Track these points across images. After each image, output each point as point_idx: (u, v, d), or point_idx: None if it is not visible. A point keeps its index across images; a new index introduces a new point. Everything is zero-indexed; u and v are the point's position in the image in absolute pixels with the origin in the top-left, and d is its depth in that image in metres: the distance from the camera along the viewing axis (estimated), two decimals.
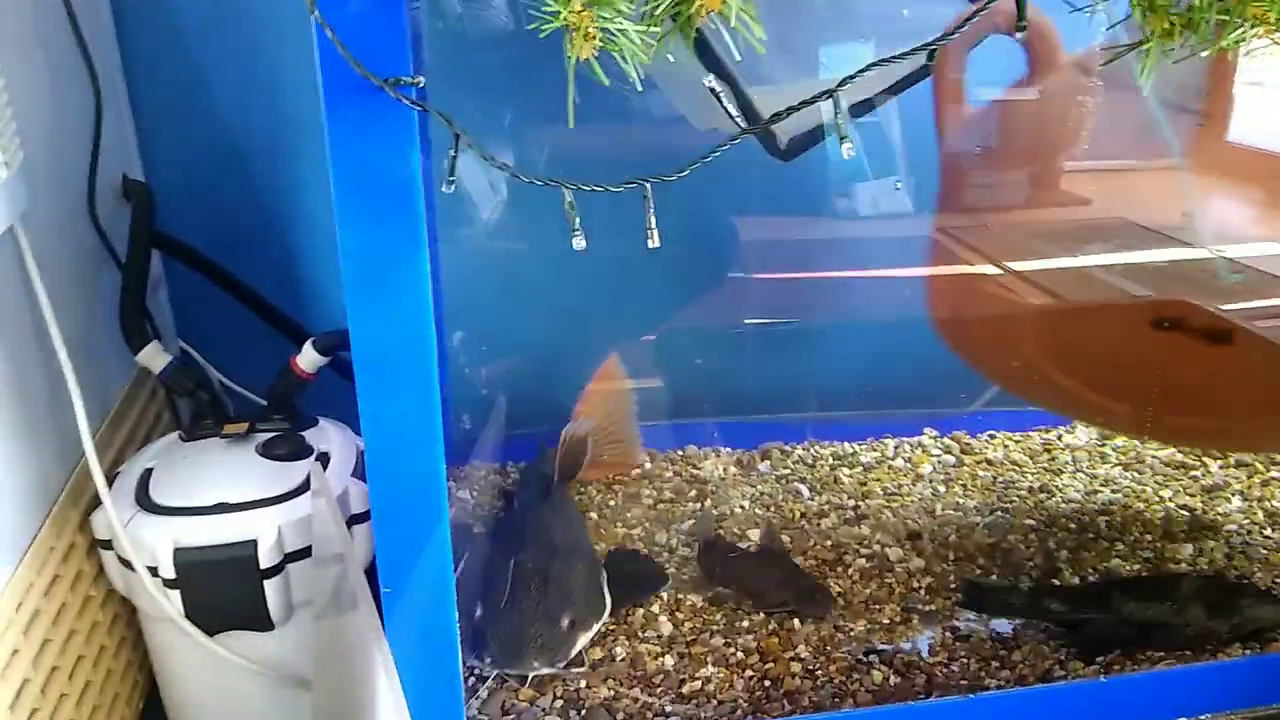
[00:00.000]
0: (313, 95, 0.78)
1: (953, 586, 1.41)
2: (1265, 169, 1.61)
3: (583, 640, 1.24)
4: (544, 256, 1.69)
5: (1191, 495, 1.63)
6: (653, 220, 0.79)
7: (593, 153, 1.52)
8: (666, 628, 1.33)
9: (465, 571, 1.32)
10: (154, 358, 1.32)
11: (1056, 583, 1.42)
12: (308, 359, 1.32)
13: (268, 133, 1.59)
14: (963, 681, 1.26)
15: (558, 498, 1.49)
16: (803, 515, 1.59)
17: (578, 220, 0.78)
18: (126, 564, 1.17)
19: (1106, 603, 1.32)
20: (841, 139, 0.76)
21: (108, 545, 1.19)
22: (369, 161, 0.78)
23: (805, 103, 0.77)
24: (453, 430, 1.61)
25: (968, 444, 1.80)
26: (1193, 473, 1.69)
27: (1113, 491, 1.65)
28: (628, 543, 1.52)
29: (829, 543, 1.52)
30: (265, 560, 1.16)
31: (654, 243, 0.80)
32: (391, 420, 0.88)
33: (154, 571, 1.15)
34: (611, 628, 1.32)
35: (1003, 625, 1.34)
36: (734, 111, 0.80)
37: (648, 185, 0.77)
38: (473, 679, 1.19)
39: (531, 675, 1.20)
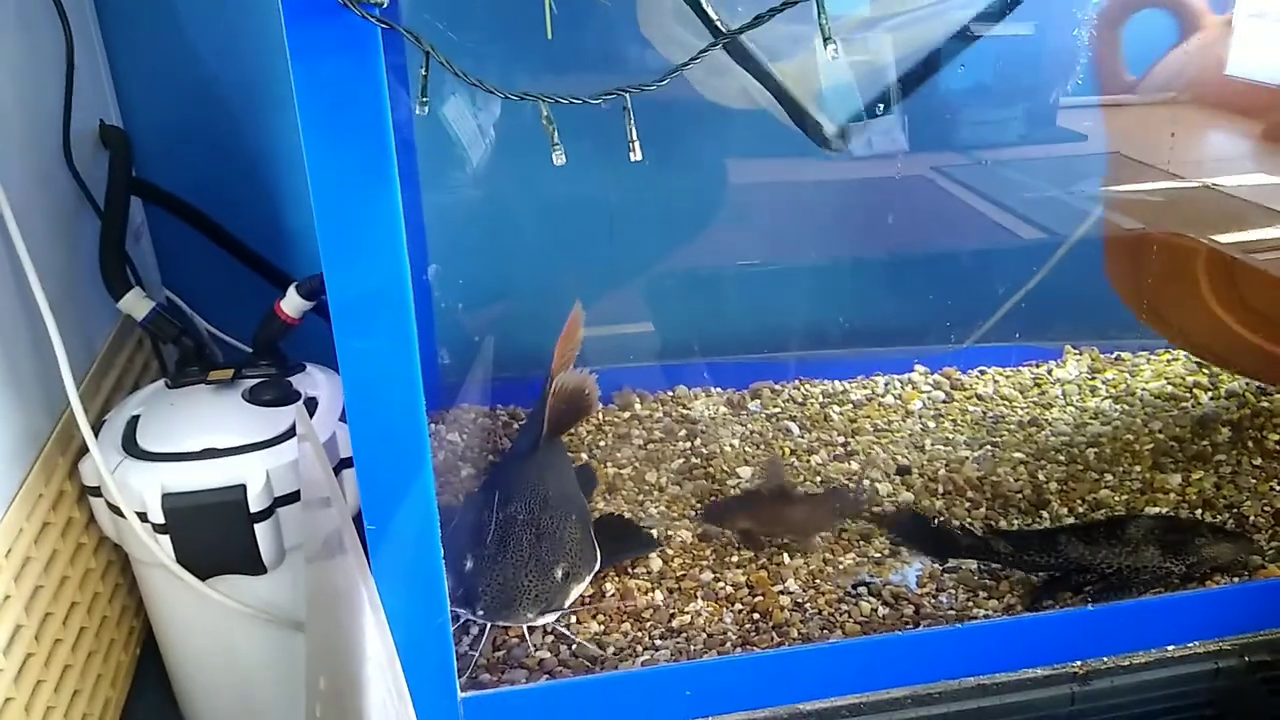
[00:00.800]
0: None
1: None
2: None
3: (576, 591, 1.24)
4: (532, 199, 1.68)
5: (1182, 426, 1.63)
6: (634, 133, 0.77)
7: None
8: (656, 564, 1.33)
9: (456, 523, 1.31)
10: (136, 304, 1.31)
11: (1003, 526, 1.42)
12: (292, 304, 1.31)
13: (247, 75, 1.57)
14: (951, 612, 1.27)
15: (548, 448, 1.47)
16: (793, 453, 1.59)
17: (556, 134, 0.76)
18: (116, 510, 1.17)
19: (1053, 547, 1.31)
20: (826, 41, 0.74)
21: (96, 492, 1.20)
22: (334, 87, 0.76)
23: (787, 3, 0.75)
24: (436, 370, 1.61)
25: (958, 380, 1.79)
26: (1183, 404, 1.69)
27: (1102, 424, 1.65)
28: (618, 483, 1.52)
29: (819, 479, 1.52)
30: (255, 504, 1.16)
31: (636, 156, 0.78)
32: (369, 358, 0.87)
33: (143, 517, 1.16)
34: None
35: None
36: (714, 16, 0.77)
37: (627, 96, 0.76)
38: (464, 618, 1.19)
39: (525, 625, 1.19)
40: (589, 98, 0.78)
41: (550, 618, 1.18)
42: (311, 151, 0.79)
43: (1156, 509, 1.44)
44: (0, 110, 1.10)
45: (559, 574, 1.21)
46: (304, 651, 1.21)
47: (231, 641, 1.27)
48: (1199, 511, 1.44)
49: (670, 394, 1.77)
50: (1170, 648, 1.26)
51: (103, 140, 1.45)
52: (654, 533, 1.39)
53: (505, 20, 1.48)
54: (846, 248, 1.88)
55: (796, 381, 1.80)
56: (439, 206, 1.59)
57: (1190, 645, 1.26)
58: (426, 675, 1.03)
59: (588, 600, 1.28)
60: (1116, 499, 1.46)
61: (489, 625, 1.18)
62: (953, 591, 1.30)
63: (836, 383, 1.80)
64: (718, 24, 0.76)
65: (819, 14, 0.74)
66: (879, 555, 1.36)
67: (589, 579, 1.26)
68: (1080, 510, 1.45)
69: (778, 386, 1.79)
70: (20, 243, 1.11)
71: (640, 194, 1.72)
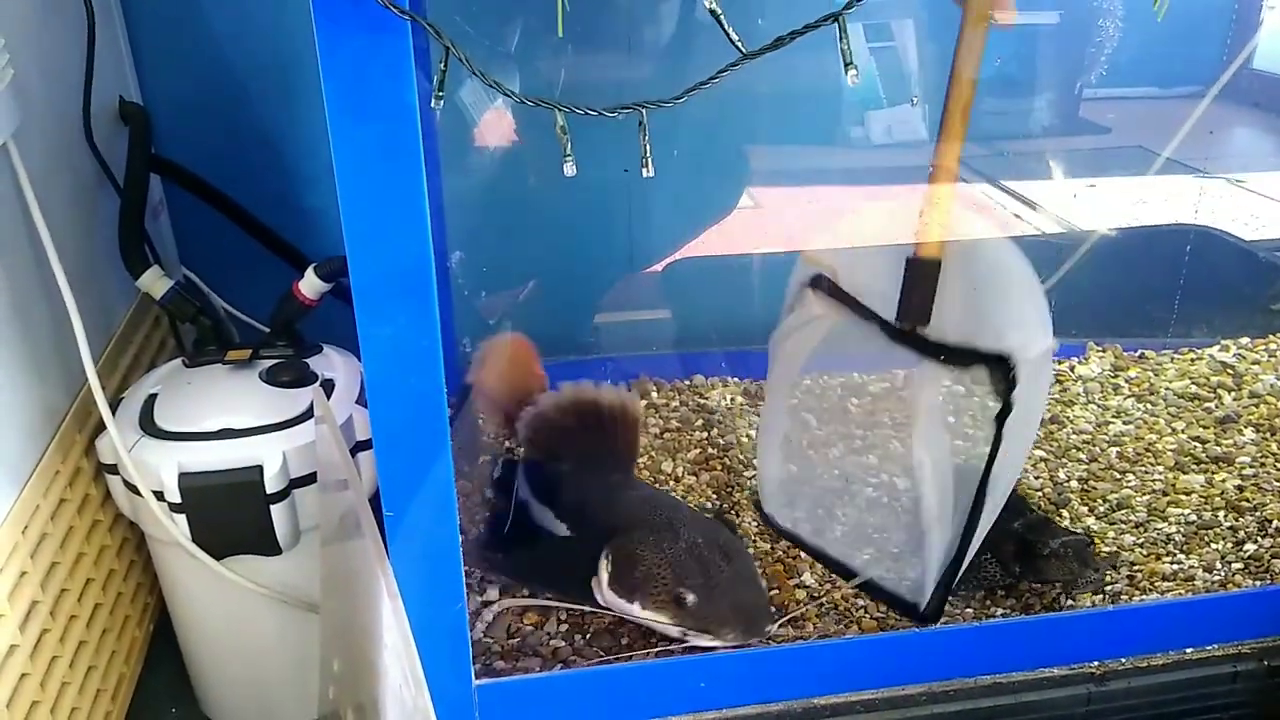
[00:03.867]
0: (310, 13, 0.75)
1: None
2: None
3: None
4: (550, 184, 1.67)
5: (1205, 427, 1.61)
6: (647, 149, 0.76)
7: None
8: None
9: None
10: (155, 283, 1.31)
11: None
12: (310, 285, 1.30)
13: (268, 53, 1.56)
14: (968, 610, 1.26)
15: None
16: (809, 445, 1.58)
17: (569, 144, 0.75)
18: (132, 488, 1.17)
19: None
20: (846, 66, 0.73)
21: (113, 470, 1.20)
22: (362, 80, 0.75)
23: (809, 26, 0.74)
24: (455, 352, 1.60)
25: None
26: (1206, 404, 1.67)
27: (1124, 423, 1.63)
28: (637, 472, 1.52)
29: (836, 472, 1.51)
30: (271, 485, 1.16)
31: (648, 172, 0.77)
32: (390, 343, 0.87)
33: (159, 496, 1.16)
34: None
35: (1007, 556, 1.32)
36: (735, 37, 0.76)
37: (644, 111, 0.74)
38: (478, 603, 1.18)
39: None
40: (605, 110, 0.76)
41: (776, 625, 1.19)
42: (337, 134, 0.78)
43: (1179, 510, 1.42)
44: (21, 85, 1.09)
45: (762, 581, 1.22)
46: (318, 633, 1.21)
47: (245, 621, 1.27)
48: (1223, 514, 1.42)
49: (687, 383, 1.76)
50: (1189, 650, 1.24)
51: (122, 117, 1.45)
52: None
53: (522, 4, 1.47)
54: (868, 240, 1.87)
55: (815, 373, 1.78)
56: (456, 191, 1.58)
57: (1208, 648, 1.25)
58: (441, 662, 1.03)
59: None
60: (1138, 499, 1.45)
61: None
62: (970, 589, 1.29)
63: (855, 375, 1.78)
64: (739, 44, 0.74)
65: (840, 39, 0.73)
66: (896, 550, 1.35)
67: None
68: (1101, 510, 1.43)
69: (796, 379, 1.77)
70: (40, 218, 1.11)
71: (661, 180, 1.71)
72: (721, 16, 0.76)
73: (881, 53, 1.74)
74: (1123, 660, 1.22)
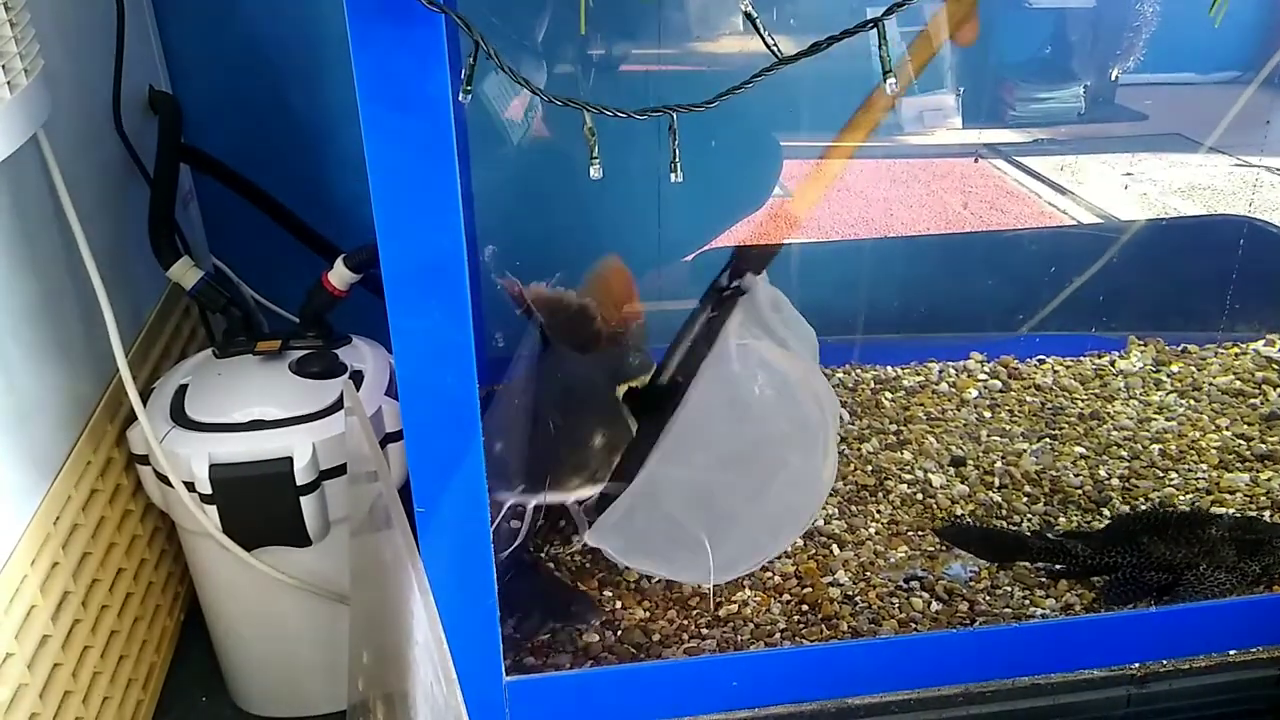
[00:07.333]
0: (342, 2, 0.74)
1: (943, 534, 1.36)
2: None
3: (615, 459, 1.19)
4: (579, 174, 1.65)
5: (1249, 424, 1.57)
6: (676, 153, 0.74)
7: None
8: None
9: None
10: (185, 273, 1.31)
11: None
12: (339, 276, 1.29)
13: (297, 43, 1.55)
14: (1006, 610, 1.23)
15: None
16: (843, 440, 1.56)
17: (596, 147, 0.73)
18: (163, 479, 1.17)
19: (1134, 546, 1.27)
20: (885, 74, 0.71)
21: (144, 460, 1.20)
22: (394, 72, 0.74)
23: (848, 32, 0.71)
24: (486, 348, 1.59)
25: (1016, 368, 1.74)
26: (1251, 400, 1.63)
27: (1167, 419, 1.59)
28: None
29: (869, 468, 1.49)
30: (301, 477, 1.15)
31: (676, 178, 0.75)
32: (422, 337, 0.85)
33: (190, 487, 1.15)
34: None
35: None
36: (771, 41, 0.74)
37: (673, 115, 0.72)
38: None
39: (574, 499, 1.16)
40: (634, 112, 0.75)
41: (596, 489, 1.15)
42: (369, 126, 0.76)
43: (1223, 510, 1.39)
44: (51, 75, 1.09)
45: (597, 440, 1.17)
46: (348, 624, 1.21)
47: (275, 611, 1.27)
48: (1269, 514, 1.39)
49: None
50: (1232, 652, 1.22)
51: (152, 106, 1.44)
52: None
53: None
54: (901, 228, 1.84)
55: (847, 366, 1.76)
56: (484, 182, 1.56)
57: (1253, 650, 1.22)
58: (472, 658, 1.02)
59: (634, 583, 1.24)
60: (1181, 498, 1.42)
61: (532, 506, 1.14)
62: (1008, 589, 1.26)
63: (889, 368, 1.75)
64: (775, 49, 0.72)
65: (880, 46, 0.71)
66: (932, 549, 1.32)
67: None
68: (1143, 509, 1.40)
69: (828, 371, 1.75)
70: (70, 209, 1.10)
71: (692, 170, 1.68)
72: (758, 20, 0.74)
73: (912, 38, 1.71)
74: (1164, 662, 1.20)
